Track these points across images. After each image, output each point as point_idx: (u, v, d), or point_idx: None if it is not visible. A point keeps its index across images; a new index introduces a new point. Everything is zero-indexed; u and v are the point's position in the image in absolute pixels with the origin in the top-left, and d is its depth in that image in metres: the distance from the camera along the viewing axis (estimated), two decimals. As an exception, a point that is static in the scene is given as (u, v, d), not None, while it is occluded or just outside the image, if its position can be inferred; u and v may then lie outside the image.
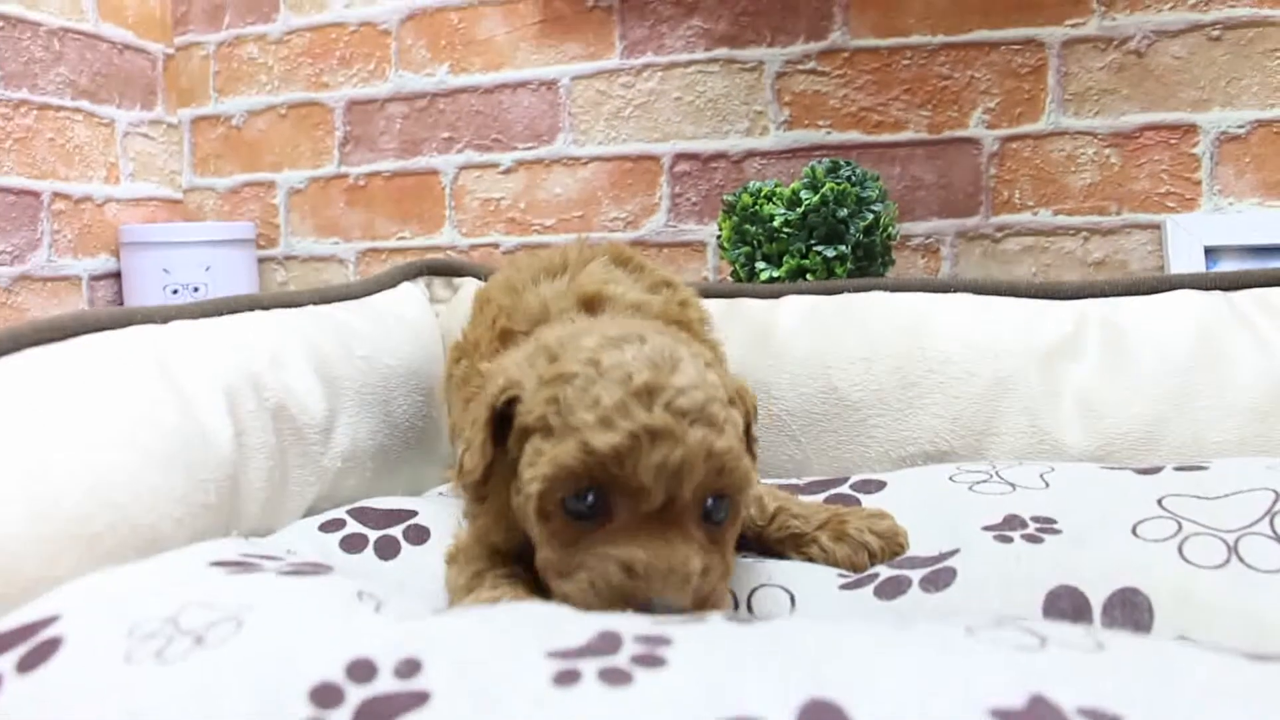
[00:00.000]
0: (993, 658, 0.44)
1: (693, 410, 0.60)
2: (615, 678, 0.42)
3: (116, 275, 2.13)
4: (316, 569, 0.64)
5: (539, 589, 0.68)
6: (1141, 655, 0.46)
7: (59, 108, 2.02)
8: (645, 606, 0.57)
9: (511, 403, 0.67)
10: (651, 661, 0.44)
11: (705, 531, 0.63)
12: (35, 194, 1.97)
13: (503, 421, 0.68)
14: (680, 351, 0.63)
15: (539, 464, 0.62)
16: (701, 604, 0.60)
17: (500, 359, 0.74)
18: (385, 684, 0.44)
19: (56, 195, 2.01)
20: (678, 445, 0.59)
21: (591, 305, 0.89)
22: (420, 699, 0.43)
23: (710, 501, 0.63)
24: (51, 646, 0.52)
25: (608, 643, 0.45)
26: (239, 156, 2.29)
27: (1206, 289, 1.11)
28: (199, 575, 0.61)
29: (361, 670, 0.45)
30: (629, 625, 0.47)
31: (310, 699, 0.44)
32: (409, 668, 0.45)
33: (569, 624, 0.48)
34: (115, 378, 0.81)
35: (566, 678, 0.43)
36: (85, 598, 0.58)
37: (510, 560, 0.72)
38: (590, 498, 0.61)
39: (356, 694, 0.44)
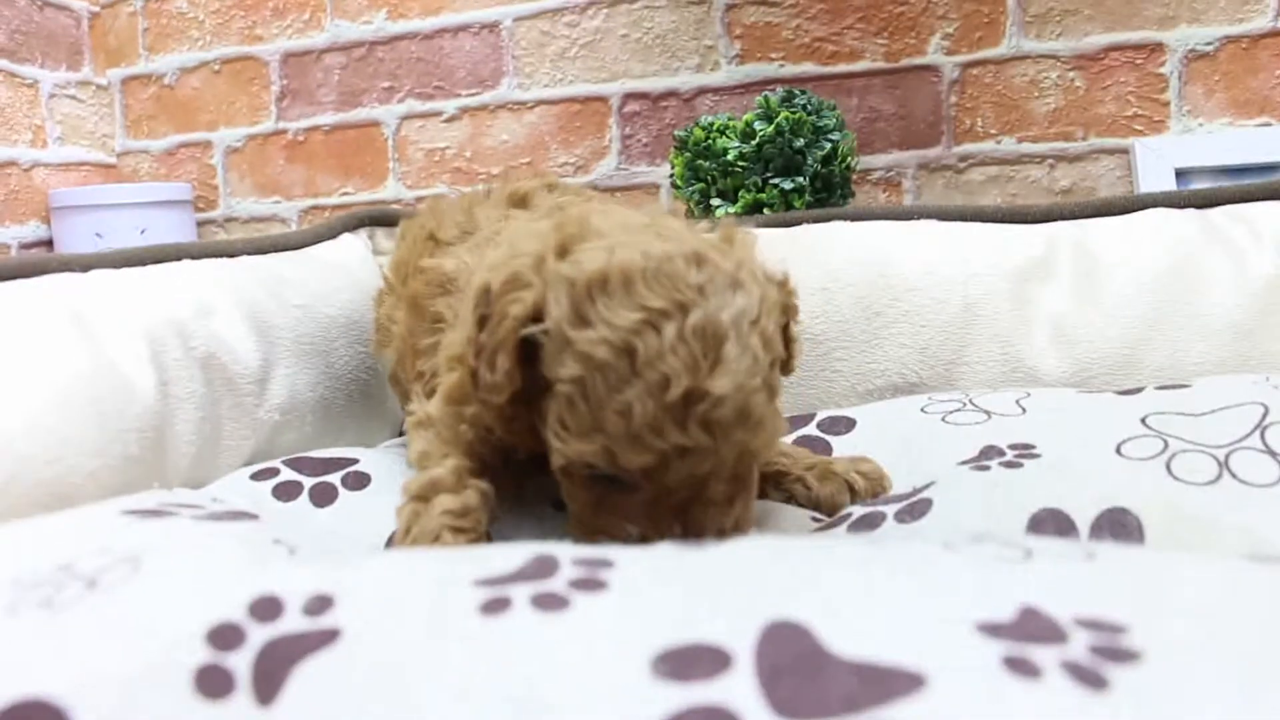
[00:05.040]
0: (974, 571, 0.40)
1: (731, 418, 0.55)
2: (550, 603, 0.37)
3: (48, 243, 2.05)
4: (236, 516, 0.60)
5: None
6: (1136, 563, 0.42)
7: (-26, 67, 1.93)
8: None
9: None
10: (591, 585, 0.39)
11: (731, 481, 0.59)
12: (-45, 158, 1.89)
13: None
14: (724, 319, 0.56)
15: (563, 443, 0.57)
16: None
17: (508, 249, 0.65)
18: (292, 622, 0.39)
19: (-22, 159, 1.93)
20: (708, 458, 0.55)
21: (521, 202, 0.86)
22: (329, 637, 0.38)
23: None
24: (-67, 603, 0.47)
25: (543, 567, 0.40)
26: (173, 117, 2.21)
27: (1180, 207, 1.07)
28: (105, 523, 0.56)
29: (266, 608, 0.40)
30: (566, 550, 0.42)
31: (208, 641, 0.39)
32: (320, 604, 0.40)
33: (501, 552, 0.43)
34: (22, 325, 0.78)
35: (495, 606, 0.38)
36: None
37: (487, 456, 0.68)
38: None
39: (259, 634, 0.39)
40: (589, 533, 0.60)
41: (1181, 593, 0.39)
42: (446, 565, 0.42)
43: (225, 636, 0.39)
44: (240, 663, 0.38)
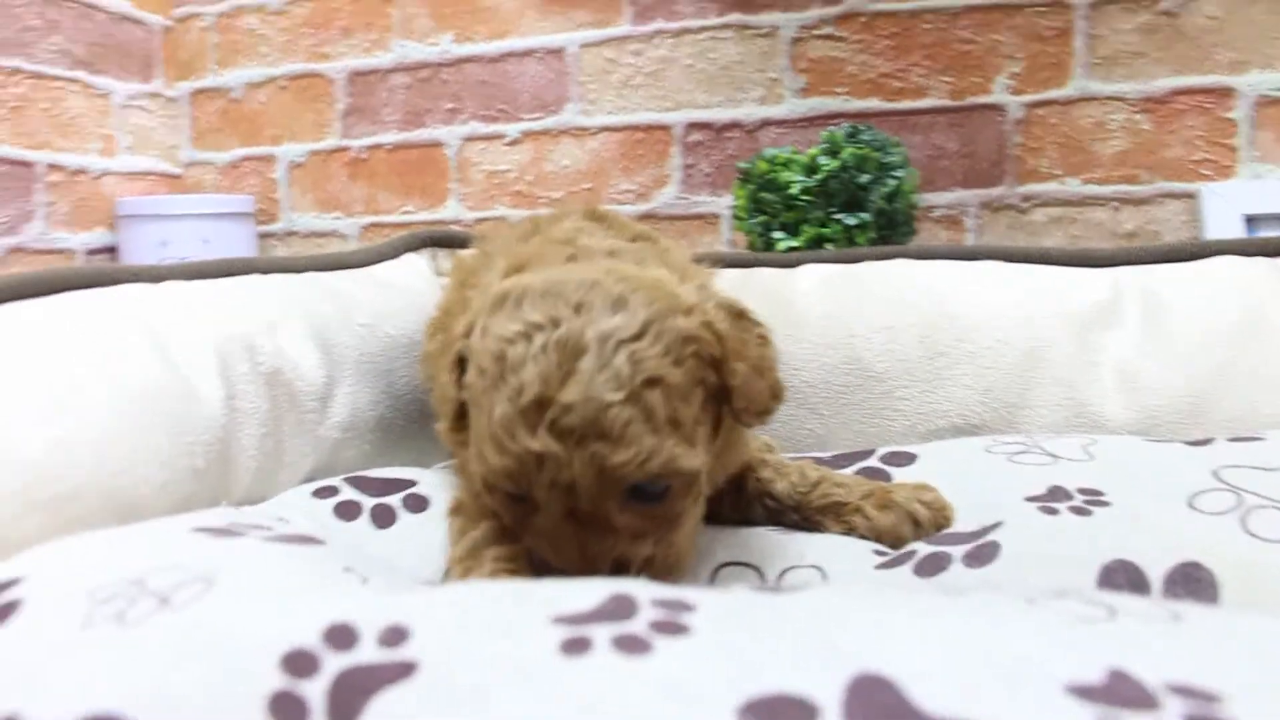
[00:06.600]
0: (1060, 629, 0.39)
1: (580, 428, 0.56)
2: (632, 646, 0.37)
3: (113, 249, 2.08)
4: (304, 540, 0.60)
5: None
6: (1225, 627, 0.41)
7: (54, 77, 1.98)
8: None
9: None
10: (673, 629, 0.38)
11: (641, 511, 0.60)
12: (29, 165, 1.93)
13: None
14: (588, 336, 0.58)
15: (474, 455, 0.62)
16: None
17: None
18: (367, 653, 0.39)
19: (51, 167, 1.97)
20: (563, 468, 0.57)
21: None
22: (405, 670, 0.37)
23: (635, 487, 0.59)
24: (9, 610, 0.48)
25: (621, 607, 0.40)
26: (238, 130, 2.24)
27: (1249, 255, 1.05)
28: (176, 539, 0.56)
29: (341, 636, 0.40)
30: (644, 589, 0.42)
31: (282, 666, 0.39)
32: (394, 635, 0.40)
33: (576, 588, 0.43)
34: (96, 334, 0.78)
35: (575, 646, 0.37)
36: (50, 560, 0.54)
37: None
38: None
39: (334, 662, 0.39)
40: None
41: (1273, 658, 0.38)
42: (521, 601, 0.42)
43: (300, 663, 0.39)
44: (315, 691, 0.38)
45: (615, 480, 0.57)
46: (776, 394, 0.66)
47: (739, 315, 0.66)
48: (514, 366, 0.57)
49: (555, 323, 0.58)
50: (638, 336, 0.59)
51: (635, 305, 0.60)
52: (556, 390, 0.56)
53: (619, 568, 0.59)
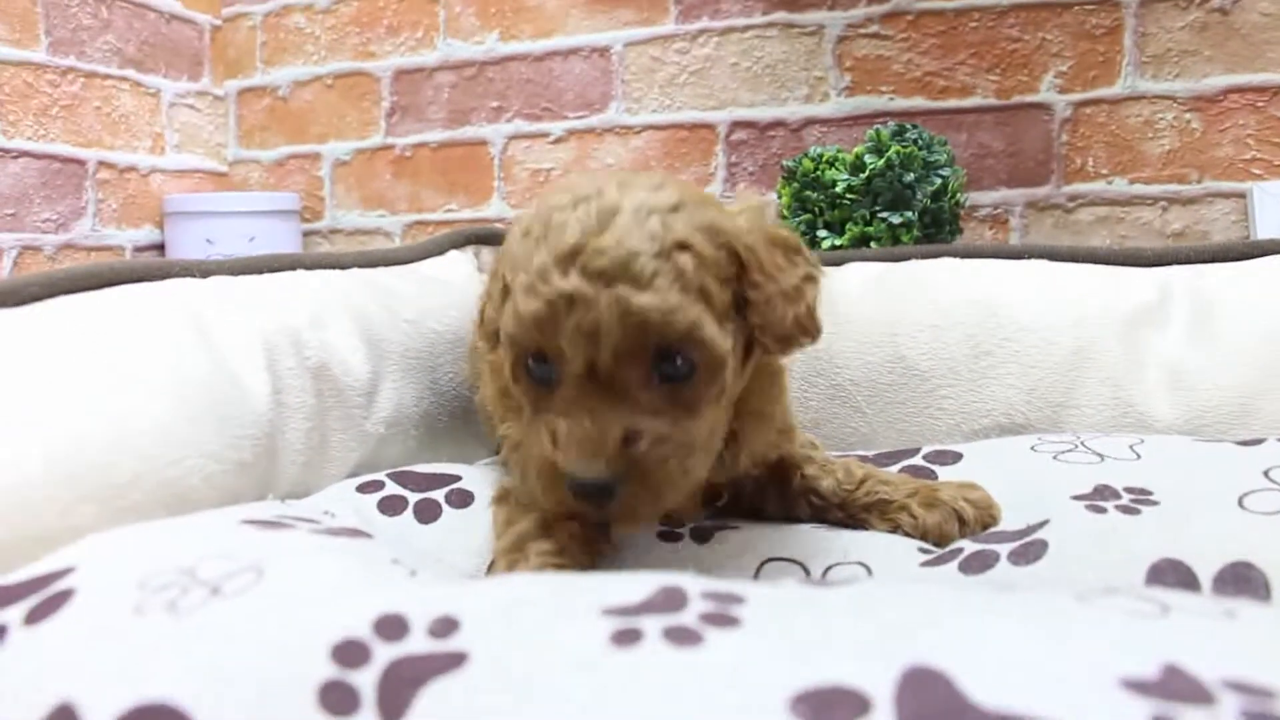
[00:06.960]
0: (1113, 625, 0.39)
1: (610, 269, 0.58)
2: (683, 638, 0.37)
3: (160, 247, 2.12)
4: (352, 533, 0.60)
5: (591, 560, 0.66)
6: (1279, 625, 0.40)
7: (106, 76, 2.01)
8: (569, 481, 0.58)
9: None
10: (723, 621, 0.38)
11: (663, 392, 0.60)
12: (81, 162, 1.96)
13: None
14: (626, 202, 0.61)
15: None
16: (638, 474, 0.58)
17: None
18: (417, 643, 0.39)
19: (101, 164, 2.01)
20: (590, 309, 0.58)
21: None
22: (456, 660, 0.38)
23: (661, 359, 0.59)
24: (62, 599, 0.48)
25: (671, 599, 0.40)
26: (284, 128, 2.27)
27: (1301, 255, 1.04)
28: (226, 531, 0.57)
29: (391, 627, 0.40)
30: (693, 582, 0.42)
31: (333, 656, 0.39)
32: (444, 626, 0.40)
33: (625, 581, 0.43)
34: (146, 327, 0.79)
35: (626, 637, 0.37)
36: (102, 550, 0.54)
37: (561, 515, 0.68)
38: (543, 361, 0.61)
39: (385, 653, 0.39)
40: (529, 459, 0.63)
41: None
42: (571, 592, 0.42)
43: (351, 653, 0.39)
44: (365, 681, 0.38)
45: (639, 330, 0.58)
46: (805, 328, 0.65)
47: (789, 247, 0.66)
48: (558, 226, 0.60)
49: (600, 193, 0.61)
50: (672, 210, 0.61)
51: (671, 188, 0.63)
52: (593, 237, 0.59)
53: (629, 440, 0.58)
